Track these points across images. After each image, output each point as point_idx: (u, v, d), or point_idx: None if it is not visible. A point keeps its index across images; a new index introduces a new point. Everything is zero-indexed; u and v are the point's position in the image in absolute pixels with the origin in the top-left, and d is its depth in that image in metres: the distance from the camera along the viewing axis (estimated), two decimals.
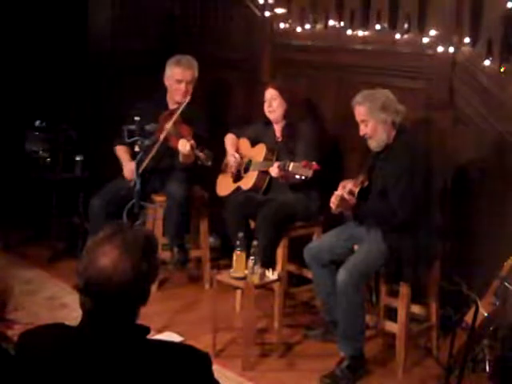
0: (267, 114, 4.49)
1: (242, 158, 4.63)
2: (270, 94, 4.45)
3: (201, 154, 4.33)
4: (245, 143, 4.67)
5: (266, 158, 4.43)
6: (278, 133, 4.54)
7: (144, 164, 4.25)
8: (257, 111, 5.05)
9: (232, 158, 4.60)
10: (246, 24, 5.26)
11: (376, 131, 3.76)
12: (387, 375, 3.77)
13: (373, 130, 3.76)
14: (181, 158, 4.48)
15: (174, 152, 4.50)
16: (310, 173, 3.83)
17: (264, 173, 4.38)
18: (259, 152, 4.51)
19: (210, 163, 4.36)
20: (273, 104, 4.44)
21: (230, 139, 4.72)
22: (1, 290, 1.99)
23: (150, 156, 4.31)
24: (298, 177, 3.89)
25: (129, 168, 4.58)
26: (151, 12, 5.86)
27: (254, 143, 4.62)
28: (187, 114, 4.49)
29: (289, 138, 4.44)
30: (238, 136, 4.71)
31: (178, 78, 4.66)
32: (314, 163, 3.84)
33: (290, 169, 3.95)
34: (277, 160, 4.35)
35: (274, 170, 4.17)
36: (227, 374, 3.64)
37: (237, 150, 4.66)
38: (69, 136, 5.38)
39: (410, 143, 3.75)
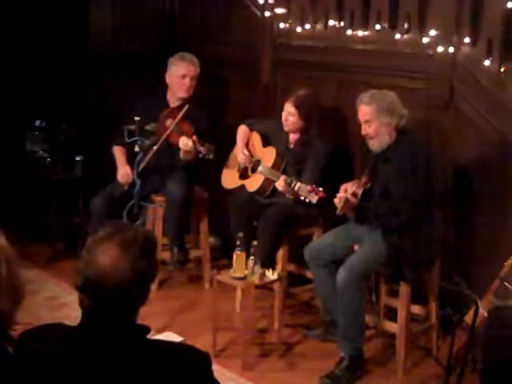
0: (283, 123, 4.41)
1: (251, 155, 4.60)
2: (288, 109, 4.36)
3: (202, 148, 4.31)
4: (256, 140, 4.62)
5: (274, 165, 4.40)
6: (292, 140, 4.47)
7: (143, 164, 4.25)
8: (257, 111, 5.06)
9: (242, 155, 4.57)
10: (245, 24, 5.25)
11: (378, 133, 3.75)
12: (387, 375, 3.77)
13: (376, 131, 3.75)
14: (182, 155, 4.46)
15: (175, 150, 4.50)
16: (315, 199, 3.87)
17: (270, 180, 4.37)
18: (269, 156, 4.47)
19: (211, 156, 4.32)
20: (289, 118, 4.37)
21: (241, 133, 4.65)
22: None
23: (150, 156, 4.31)
24: (302, 198, 3.93)
25: (123, 172, 4.58)
26: (151, 12, 5.86)
27: (265, 140, 4.58)
28: (188, 111, 4.49)
29: (300, 153, 4.39)
30: (251, 128, 4.66)
31: (183, 73, 4.66)
32: (320, 190, 3.88)
33: (296, 189, 3.97)
34: (285, 168, 4.36)
35: (280, 184, 4.13)
36: (227, 374, 3.64)
37: (246, 144, 4.63)
38: (69, 136, 5.38)
39: (412, 144, 3.75)
